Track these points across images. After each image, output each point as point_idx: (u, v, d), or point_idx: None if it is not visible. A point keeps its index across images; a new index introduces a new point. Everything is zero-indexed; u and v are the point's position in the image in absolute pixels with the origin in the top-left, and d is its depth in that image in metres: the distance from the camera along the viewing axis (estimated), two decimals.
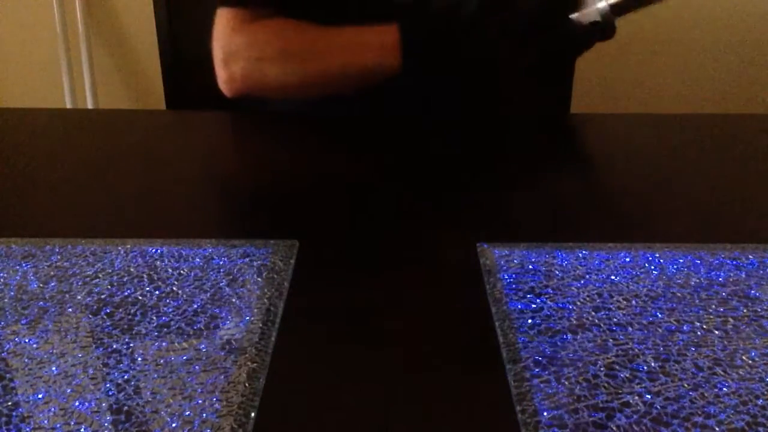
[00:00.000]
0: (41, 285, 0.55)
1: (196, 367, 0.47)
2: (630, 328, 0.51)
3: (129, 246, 0.60)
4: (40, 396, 0.44)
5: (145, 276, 0.56)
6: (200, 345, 0.49)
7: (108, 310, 0.52)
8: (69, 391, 0.45)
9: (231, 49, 0.84)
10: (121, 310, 0.52)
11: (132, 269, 0.57)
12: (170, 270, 0.57)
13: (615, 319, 0.51)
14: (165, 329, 0.50)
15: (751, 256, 0.59)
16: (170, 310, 0.52)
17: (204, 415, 0.43)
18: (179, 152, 0.81)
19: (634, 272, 0.57)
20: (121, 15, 1.69)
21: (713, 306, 0.53)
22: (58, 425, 0.42)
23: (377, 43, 0.81)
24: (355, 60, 0.83)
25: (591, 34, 0.81)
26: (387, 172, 0.75)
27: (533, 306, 0.53)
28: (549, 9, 0.81)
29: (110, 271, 0.57)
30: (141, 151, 0.81)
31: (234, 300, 0.53)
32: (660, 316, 0.52)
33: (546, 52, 0.83)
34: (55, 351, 0.48)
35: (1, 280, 0.56)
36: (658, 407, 0.44)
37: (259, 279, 0.56)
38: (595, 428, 0.42)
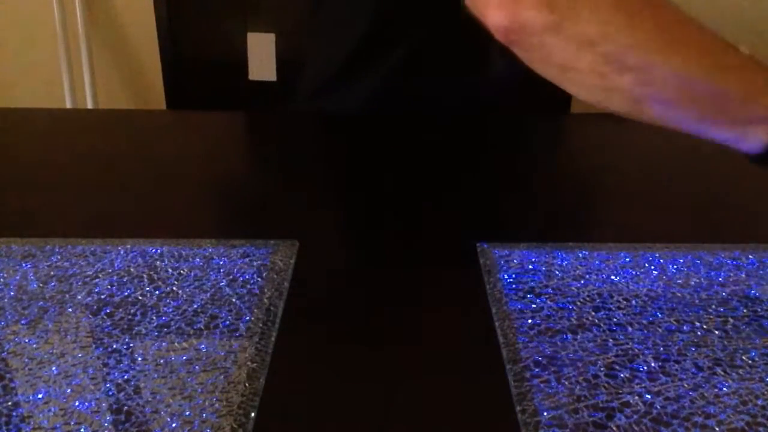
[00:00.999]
0: (41, 285, 0.55)
1: (196, 367, 0.47)
2: (630, 328, 0.51)
3: (129, 246, 0.60)
4: (40, 396, 0.44)
5: (145, 276, 0.56)
6: (200, 345, 0.49)
7: (108, 310, 0.52)
8: (69, 391, 0.44)
9: None
10: (121, 310, 0.52)
11: (132, 269, 0.57)
12: (170, 270, 0.57)
13: (615, 319, 0.51)
14: (165, 329, 0.50)
15: (751, 256, 0.59)
16: (170, 310, 0.52)
17: (204, 415, 0.43)
18: (179, 152, 0.81)
19: (634, 272, 0.57)
20: (121, 15, 1.69)
21: (713, 306, 0.53)
22: (58, 425, 0.42)
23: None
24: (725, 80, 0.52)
25: None
26: (387, 172, 0.75)
27: (533, 306, 0.53)
28: None
29: (110, 271, 0.57)
30: (141, 151, 0.81)
31: (234, 300, 0.53)
32: (660, 316, 0.52)
33: None
34: (55, 351, 0.48)
35: (1, 280, 0.56)
36: (658, 407, 0.44)
37: (259, 279, 0.56)
38: (595, 428, 0.42)
